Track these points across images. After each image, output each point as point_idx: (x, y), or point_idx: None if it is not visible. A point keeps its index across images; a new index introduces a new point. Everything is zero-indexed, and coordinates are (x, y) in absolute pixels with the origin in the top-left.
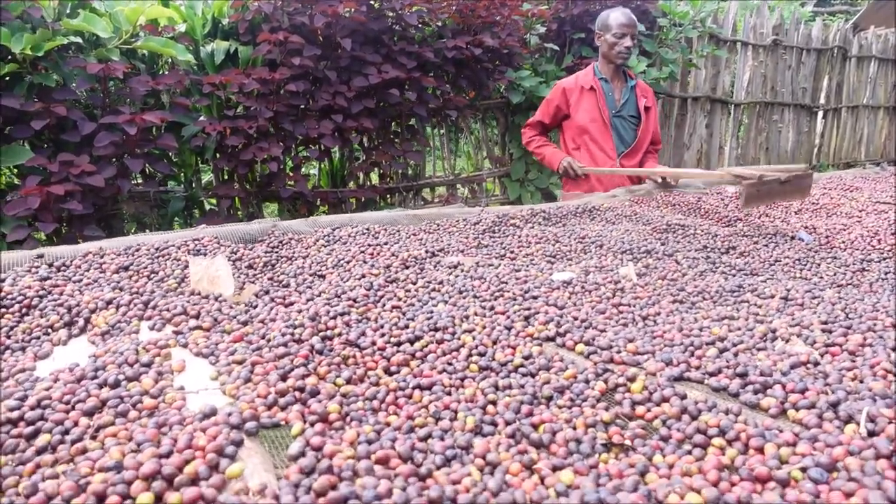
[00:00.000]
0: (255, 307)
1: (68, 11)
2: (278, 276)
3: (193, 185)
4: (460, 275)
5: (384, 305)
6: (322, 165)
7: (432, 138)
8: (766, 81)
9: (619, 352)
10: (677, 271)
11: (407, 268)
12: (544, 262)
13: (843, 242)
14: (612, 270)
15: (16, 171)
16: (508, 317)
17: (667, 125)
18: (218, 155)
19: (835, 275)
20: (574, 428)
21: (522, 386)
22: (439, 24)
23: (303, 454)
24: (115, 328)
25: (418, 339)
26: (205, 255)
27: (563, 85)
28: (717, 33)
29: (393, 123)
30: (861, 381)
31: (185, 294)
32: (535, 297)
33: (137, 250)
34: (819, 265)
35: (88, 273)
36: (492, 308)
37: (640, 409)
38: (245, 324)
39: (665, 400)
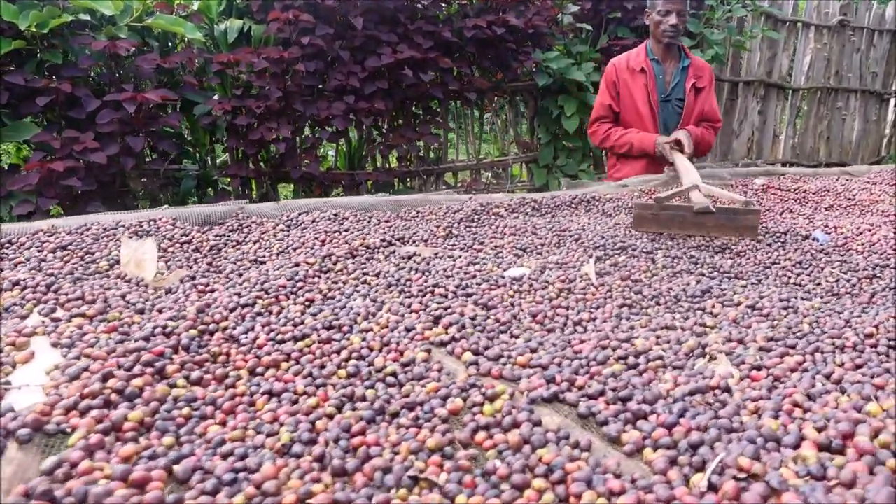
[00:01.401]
0: (173, 293)
1: None
2: (218, 262)
3: (208, 164)
4: (406, 266)
5: (298, 298)
6: (340, 147)
7: (459, 121)
8: (829, 65)
9: (505, 363)
10: (648, 271)
11: (353, 257)
12: (511, 255)
13: (863, 245)
14: (574, 268)
15: (32, 147)
16: (419, 316)
17: None
18: (228, 134)
19: (837, 281)
20: (396, 454)
21: (378, 398)
22: (463, 2)
23: (54, 470)
24: (8, 311)
25: (305, 337)
26: (151, 236)
27: (614, 63)
28: (773, 13)
29: (414, 105)
30: (759, 417)
31: (110, 277)
32: (468, 296)
33: (88, 229)
34: (822, 269)
35: (27, 252)
36: (409, 305)
37: (480, 436)
38: (141, 312)
39: (516, 425)
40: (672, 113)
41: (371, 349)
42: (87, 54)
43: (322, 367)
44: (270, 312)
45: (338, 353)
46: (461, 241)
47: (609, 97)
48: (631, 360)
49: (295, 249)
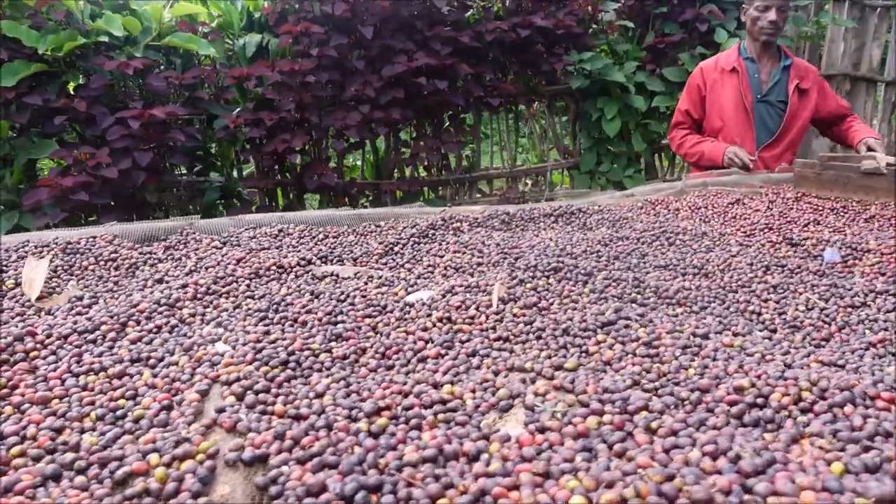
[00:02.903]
0: (51, 314)
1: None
2: (126, 282)
3: (234, 175)
4: (304, 289)
5: (146, 325)
6: (367, 156)
7: (493, 127)
8: None
9: (258, 413)
10: (568, 297)
11: (257, 277)
12: (440, 276)
13: (873, 265)
14: (485, 291)
15: (55, 163)
16: (242, 349)
17: None
18: (247, 146)
19: (808, 310)
20: None
21: (90, 449)
22: (487, 5)
23: None
24: None
25: (103, 370)
26: (81, 254)
27: (702, 65)
28: None
29: (444, 114)
30: None
31: (6, 297)
32: (333, 324)
33: (24, 246)
34: (800, 295)
35: None
36: (249, 334)
37: None
38: None
39: (175, 495)
40: (772, 115)
41: (154, 387)
42: (97, 74)
43: (90, 403)
44: (104, 339)
45: (115, 390)
46: (395, 260)
47: (689, 102)
48: (414, 411)
49: (207, 269)
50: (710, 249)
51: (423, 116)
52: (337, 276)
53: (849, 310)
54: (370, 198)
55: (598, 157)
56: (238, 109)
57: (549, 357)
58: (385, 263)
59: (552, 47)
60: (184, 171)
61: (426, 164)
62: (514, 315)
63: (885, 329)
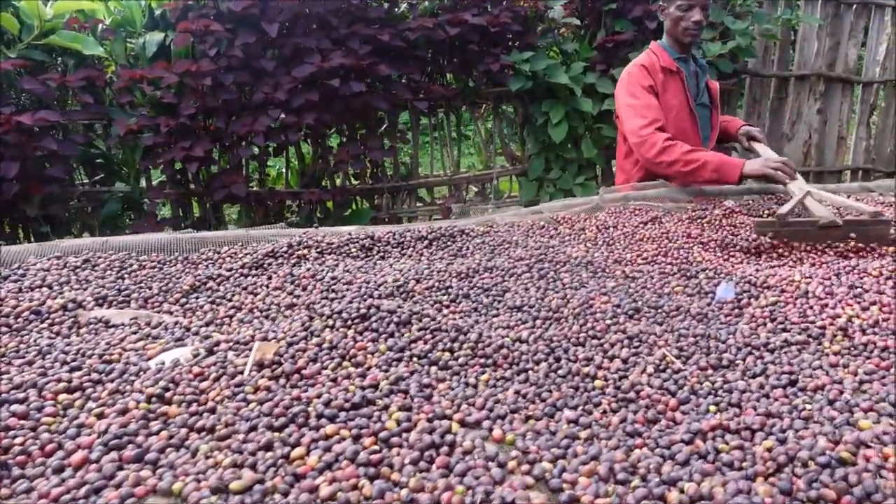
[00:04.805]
0: None
1: None
2: None
3: (141, 185)
4: (40, 343)
5: None
6: (292, 164)
7: (431, 133)
8: None
9: None
10: (353, 358)
11: None
12: (236, 322)
13: (766, 307)
14: (251, 348)
15: None
16: None
17: (757, 112)
18: (143, 154)
19: (659, 371)
20: None
21: None
22: (412, 1)
23: None
24: None
25: None
26: None
27: (644, 64)
28: None
29: (372, 118)
30: None
31: None
32: (8, 403)
33: None
34: (659, 349)
35: None
36: None
37: None
38: None
39: None
40: (705, 117)
41: None
42: None
43: None
44: None
45: None
46: (197, 300)
47: (654, 106)
48: None
49: None
50: (583, 284)
51: (348, 121)
52: (107, 322)
53: (708, 372)
54: (292, 208)
55: (548, 164)
56: (142, 113)
57: (231, 466)
58: (184, 304)
59: (492, 46)
60: (85, 181)
61: (360, 171)
62: (256, 390)
63: (737, 405)
